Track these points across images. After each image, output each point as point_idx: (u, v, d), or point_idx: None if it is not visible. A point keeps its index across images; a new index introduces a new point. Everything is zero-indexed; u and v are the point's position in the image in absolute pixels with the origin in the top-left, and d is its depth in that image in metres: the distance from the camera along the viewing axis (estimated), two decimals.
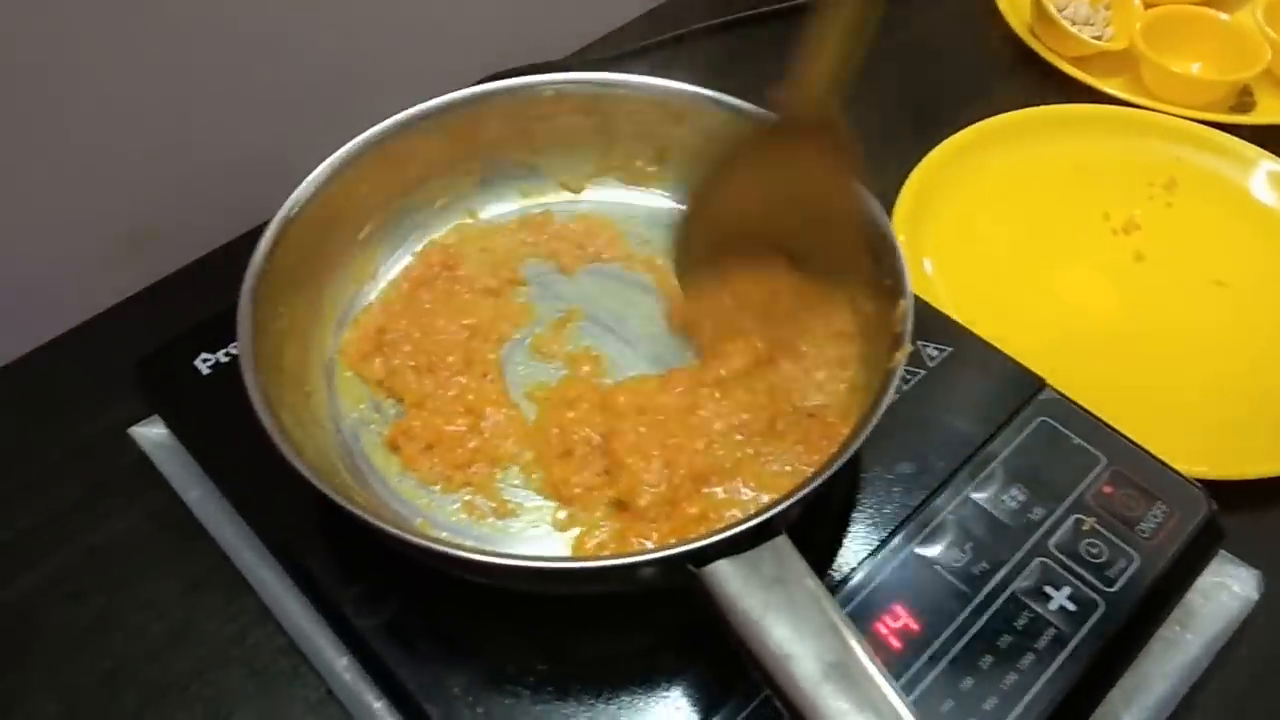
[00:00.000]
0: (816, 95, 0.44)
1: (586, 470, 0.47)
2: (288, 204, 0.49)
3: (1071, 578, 0.46)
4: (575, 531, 0.46)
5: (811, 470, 0.44)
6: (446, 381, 0.50)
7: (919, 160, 0.70)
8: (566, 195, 0.59)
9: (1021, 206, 0.71)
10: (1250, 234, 0.70)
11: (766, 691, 0.37)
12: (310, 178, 0.50)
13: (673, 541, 0.40)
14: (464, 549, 0.40)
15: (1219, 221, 0.70)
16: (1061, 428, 0.51)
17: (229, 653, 0.49)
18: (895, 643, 0.44)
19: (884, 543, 0.47)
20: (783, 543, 0.39)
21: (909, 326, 0.45)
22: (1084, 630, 0.44)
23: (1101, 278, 0.67)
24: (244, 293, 0.45)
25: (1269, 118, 0.77)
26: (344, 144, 0.52)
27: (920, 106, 0.78)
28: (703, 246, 0.51)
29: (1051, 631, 0.44)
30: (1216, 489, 0.50)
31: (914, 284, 0.46)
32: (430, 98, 0.54)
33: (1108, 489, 0.49)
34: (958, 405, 0.52)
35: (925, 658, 0.43)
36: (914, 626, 0.44)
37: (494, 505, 0.47)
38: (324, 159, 0.51)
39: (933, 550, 0.47)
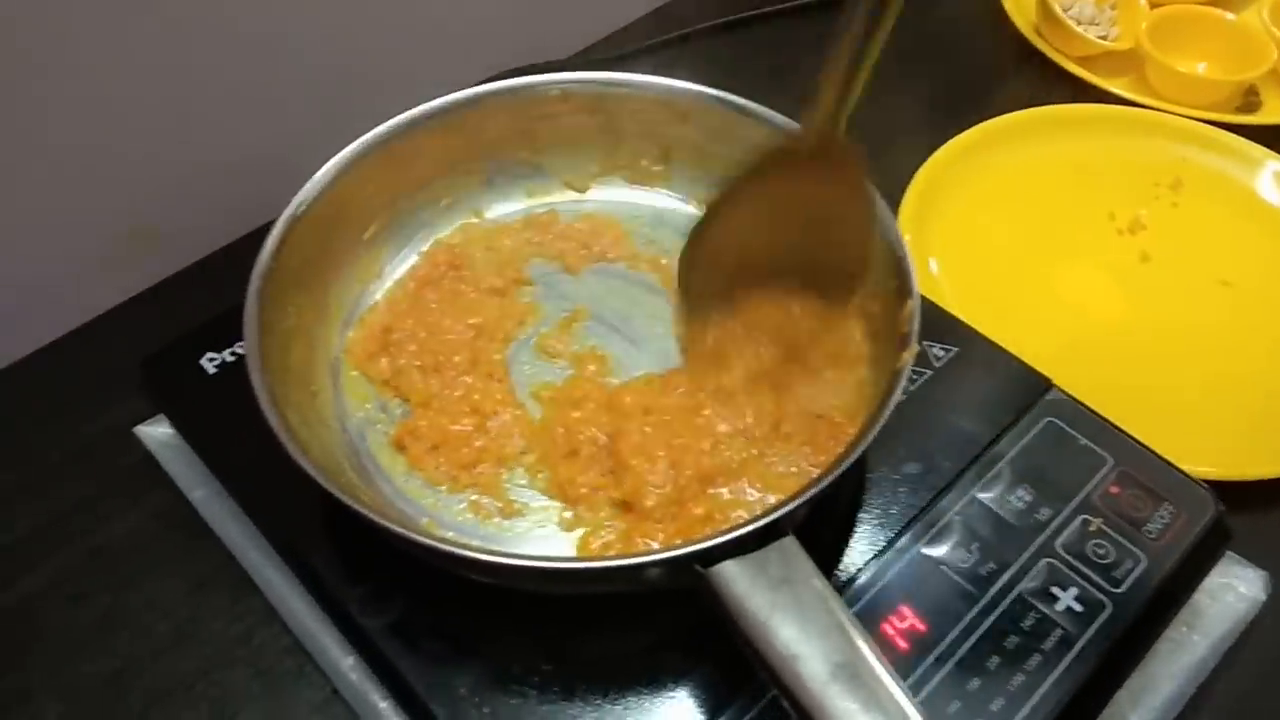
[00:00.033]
0: (829, 116, 0.43)
1: (592, 470, 0.47)
2: (294, 203, 0.49)
3: (1078, 578, 0.46)
4: (581, 531, 0.46)
5: (818, 471, 0.44)
6: (452, 381, 0.50)
7: (924, 160, 0.70)
8: (572, 195, 0.59)
9: (1027, 206, 0.71)
10: (1256, 234, 0.69)
11: (774, 692, 0.37)
12: (316, 177, 0.50)
13: (679, 542, 0.40)
14: (470, 549, 0.40)
15: (1225, 221, 0.70)
16: (1068, 428, 0.51)
17: (234, 652, 0.49)
18: (902, 643, 0.44)
19: (890, 543, 0.47)
20: (790, 543, 0.39)
21: (916, 327, 0.44)
22: (1091, 631, 0.44)
23: (1107, 278, 0.67)
24: (250, 292, 0.45)
25: (1275, 118, 0.77)
26: (348, 143, 0.52)
27: (925, 106, 0.78)
28: (712, 273, 0.49)
29: (1058, 632, 0.44)
30: (1223, 490, 0.49)
31: (920, 284, 0.46)
32: (434, 97, 0.54)
33: (1114, 489, 0.49)
34: (964, 405, 0.52)
35: (932, 658, 0.43)
36: (920, 627, 0.44)
37: (500, 505, 0.47)
38: (328, 158, 0.51)
39: (939, 551, 0.47)
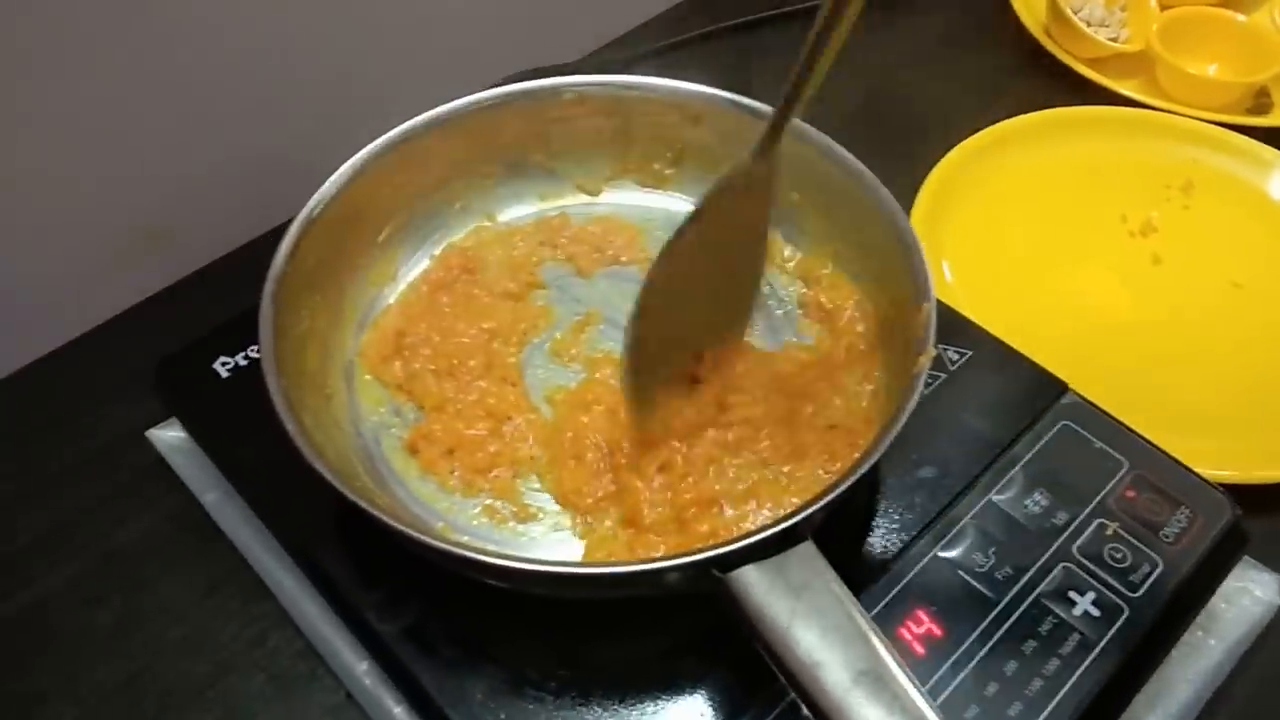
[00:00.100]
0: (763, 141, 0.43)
1: (597, 479, 0.47)
2: (309, 206, 0.49)
3: (1095, 583, 0.46)
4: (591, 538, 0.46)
5: (835, 477, 0.43)
6: (466, 385, 0.50)
7: (936, 163, 0.70)
8: (584, 198, 0.59)
9: (1038, 209, 0.70)
10: (1268, 236, 0.69)
11: (793, 697, 0.37)
12: (331, 180, 0.50)
13: (698, 546, 0.40)
14: (485, 553, 0.39)
15: (1236, 223, 0.70)
16: (1084, 432, 0.51)
17: (247, 656, 0.49)
18: (919, 648, 0.44)
19: (907, 547, 0.47)
20: (808, 548, 0.38)
21: (932, 331, 0.44)
22: (1108, 635, 0.44)
23: (1119, 280, 0.67)
24: (265, 295, 0.45)
25: None
26: (361, 146, 0.51)
27: (936, 109, 0.78)
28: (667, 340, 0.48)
29: (1076, 637, 0.44)
30: (1239, 494, 0.49)
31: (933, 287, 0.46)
32: (447, 100, 0.54)
33: (1130, 493, 0.49)
34: (979, 409, 0.51)
35: (949, 663, 0.43)
36: (937, 632, 0.44)
37: (515, 509, 0.47)
38: (341, 161, 0.51)
39: (956, 555, 0.46)
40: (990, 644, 0.44)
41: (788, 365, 0.51)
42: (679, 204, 0.59)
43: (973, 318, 0.56)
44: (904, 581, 0.46)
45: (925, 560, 0.46)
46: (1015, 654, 0.43)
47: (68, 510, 0.55)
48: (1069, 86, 0.79)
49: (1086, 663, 0.43)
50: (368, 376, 0.51)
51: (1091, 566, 0.46)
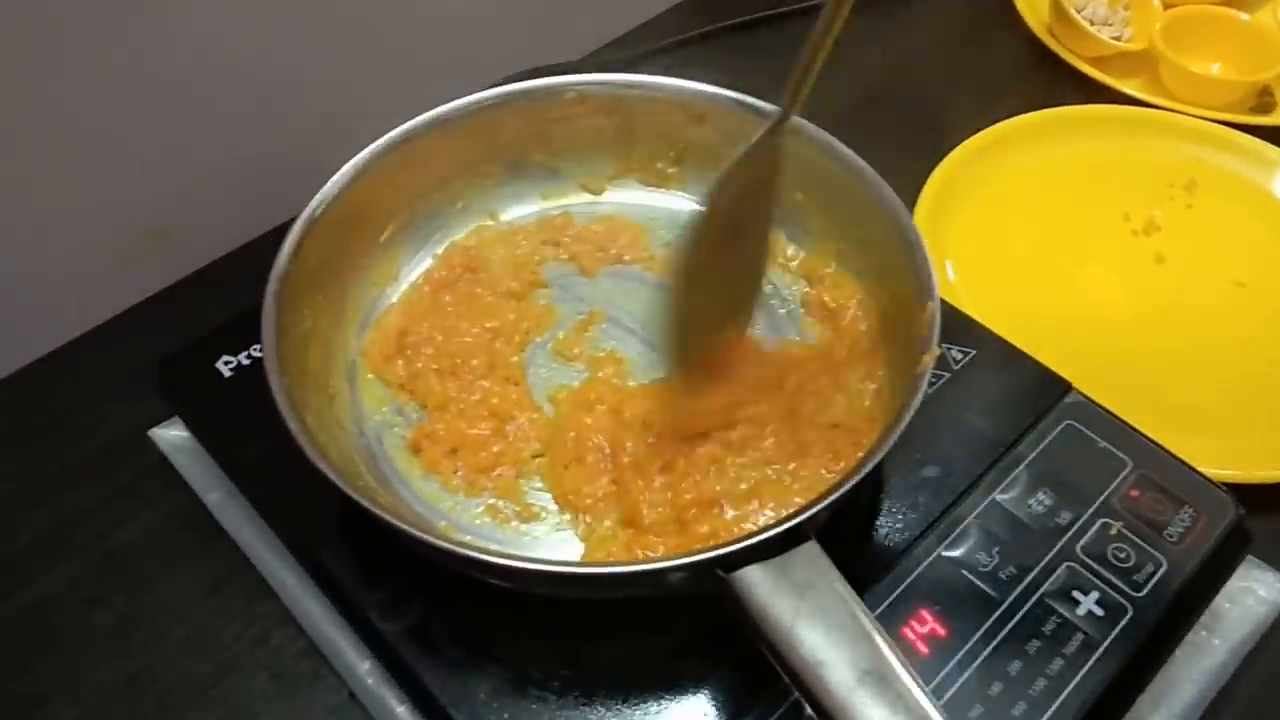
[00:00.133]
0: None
1: (598, 479, 0.47)
2: (311, 205, 0.49)
3: (1099, 582, 0.46)
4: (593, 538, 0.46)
5: (838, 477, 0.43)
6: (469, 385, 0.50)
7: (939, 162, 0.70)
8: (587, 197, 0.59)
9: (1041, 208, 0.70)
10: (1271, 235, 0.69)
11: (796, 697, 0.37)
12: (334, 179, 0.50)
13: (701, 546, 0.40)
14: (488, 553, 0.39)
15: (1240, 222, 0.70)
16: (1087, 431, 0.50)
17: (250, 656, 0.49)
18: (922, 648, 0.43)
19: (910, 547, 0.47)
20: (812, 548, 0.38)
21: (937, 330, 0.44)
22: (1113, 635, 0.44)
23: (1122, 279, 0.67)
24: (268, 295, 0.45)
25: None
26: (363, 145, 0.51)
27: (938, 107, 0.78)
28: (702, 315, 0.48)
29: (1080, 636, 0.44)
30: (1243, 493, 0.49)
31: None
32: (448, 99, 0.54)
33: (1134, 493, 0.49)
34: (983, 408, 0.51)
35: (953, 663, 0.43)
36: (941, 631, 0.44)
37: (518, 509, 0.47)
38: (343, 160, 0.51)
39: (959, 554, 0.46)
40: (994, 643, 0.44)
41: (791, 363, 0.51)
42: (682, 203, 0.59)
43: (976, 317, 0.56)
44: (908, 581, 0.46)
45: (929, 560, 0.46)
46: (1019, 654, 0.43)
47: (69, 510, 0.54)
48: (1072, 85, 0.79)
49: (1090, 662, 0.43)
50: (370, 376, 0.51)
51: (1095, 566, 0.46)
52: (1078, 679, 0.43)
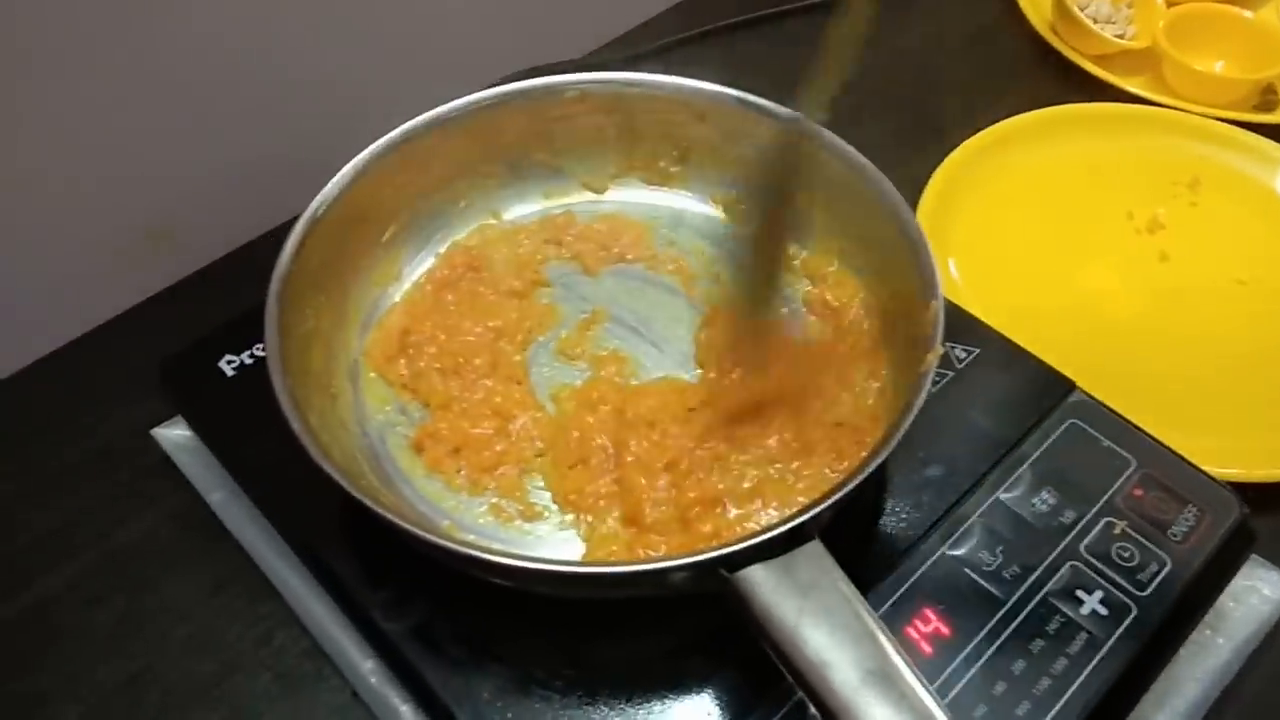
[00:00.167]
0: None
1: (600, 478, 0.47)
2: (313, 205, 0.49)
3: (1103, 581, 0.46)
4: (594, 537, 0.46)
5: (842, 476, 0.43)
6: (472, 384, 0.50)
7: (941, 160, 0.70)
8: (589, 195, 0.59)
9: (1044, 206, 0.70)
10: (1275, 233, 0.69)
11: (800, 696, 0.37)
12: (335, 179, 0.50)
13: (704, 546, 0.40)
14: (491, 552, 0.39)
15: (1244, 220, 0.70)
16: (1091, 430, 0.50)
17: (253, 655, 0.49)
18: (926, 647, 0.43)
19: (914, 546, 0.47)
20: (816, 547, 0.38)
21: (940, 329, 0.44)
22: (1117, 634, 0.44)
23: (1126, 278, 0.67)
24: (270, 295, 0.45)
25: None
26: (364, 145, 0.51)
27: (941, 105, 0.78)
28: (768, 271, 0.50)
29: (1084, 636, 0.44)
30: (1247, 492, 0.49)
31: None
32: (449, 98, 0.54)
33: (1138, 492, 0.48)
34: (986, 407, 0.51)
35: (957, 662, 0.43)
36: (945, 631, 0.44)
37: (521, 508, 0.47)
38: (344, 160, 0.51)
39: (963, 554, 0.46)
40: (998, 643, 0.44)
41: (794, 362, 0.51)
42: (685, 201, 0.59)
43: (979, 315, 0.56)
44: (911, 580, 0.45)
45: (932, 559, 0.46)
46: (1023, 653, 0.43)
47: (70, 509, 0.54)
48: (1075, 83, 0.79)
49: (1094, 662, 0.43)
50: (373, 375, 0.51)
51: (1099, 565, 0.46)
52: (1082, 678, 0.43)
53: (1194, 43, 0.79)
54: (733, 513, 0.45)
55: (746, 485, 0.46)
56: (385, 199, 0.53)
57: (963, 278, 0.65)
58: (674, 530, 0.45)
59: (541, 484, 0.48)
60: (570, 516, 0.47)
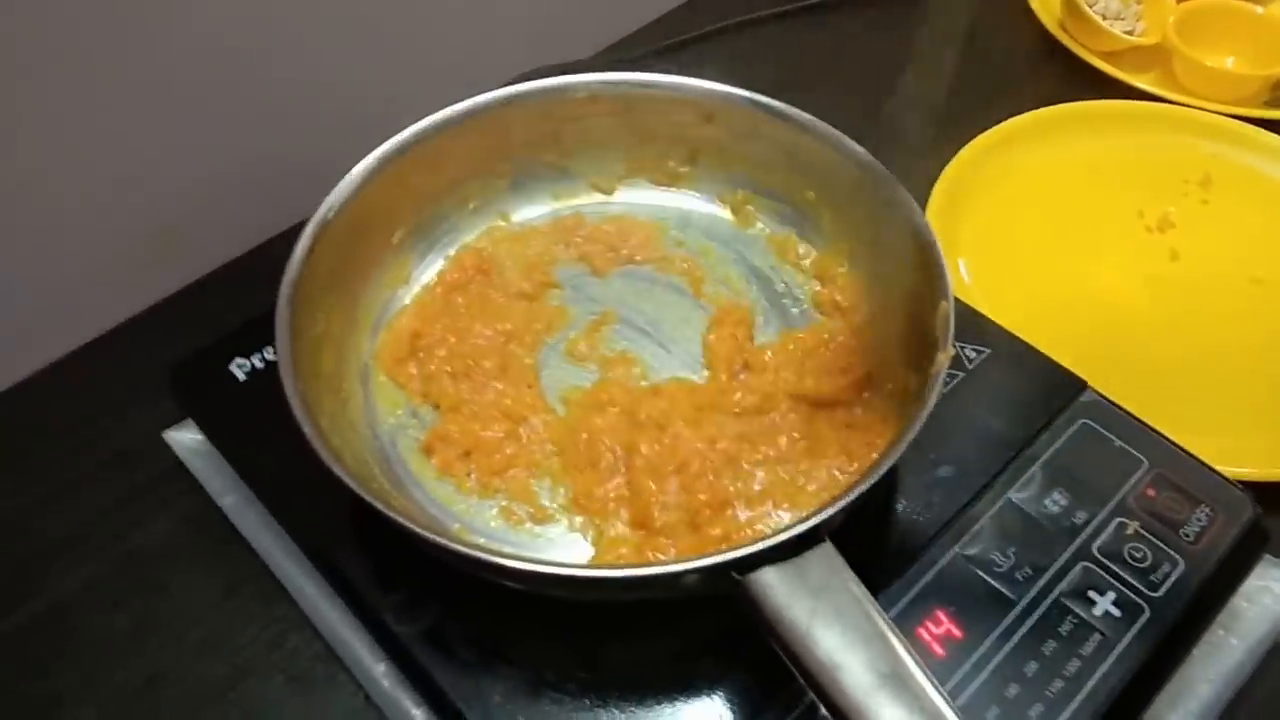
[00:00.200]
0: None
1: (610, 481, 0.47)
2: (323, 208, 0.49)
3: (1116, 582, 0.45)
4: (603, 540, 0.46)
5: (854, 477, 0.43)
6: (483, 387, 0.50)
7: (950, 159, 0.69)
8: (598, 196, 0.59)
9: (1054, 205, 0.70)
10: None
11: (811, 698, 0.37)
12: (343, 182, 0.50)
13: (715, 549, 0.39)
14: (502, 555, 0.39)
15: (1255, 218, 0.70)
16: (1103, 430, 0.50)
17: (266, 659, 0.49)
18: (938, 649, 0.43)
19: (925, 548, 0.46)
20: (827, 549, 0.38)
21: (951, 330, 0.44)
22: (1129, 635, 0.44)
23: (1137, 277, 0.66)
24: (281, 299, 0.45)
25: None
26: (372, 147, 0.51)
27: (950, 104, 0.78)
28: None
29: (1097, 637, 0.44)
30: (1260, 491, 0.49)
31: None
32: (456, 100, 0.54)
33: (1150, 492, 0.48)
34: (997, 408, 0.51)
35: (969, 664, 0.43)
36: (957, 633, 0.44)
37: (532, 510, 0.47)
38: (352, 162, 0.51)
39: (975, 555, 0.46)
40: (1010, 644, 0.43)
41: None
42: (693, 202, 0.59)
43: (989, 314, 0.56)
44: (923, 581, 0.45)
45: (944, 560, 0.46)
46: (1036, 654, 0.43)
47: (84, 512, 0.55)
48: (1084, 81, 0.79)
49: (1108, 663, 0.43)
50: (383, 378, 0.51)
51: (1112, 566, 0.46)
52: (1095, 680, 0.43)
53: (1204, 38, 0.78)
54: (743, 515, 0.45)
55: (756, 488, 0.46)
56: (394, 201, 0.53)
57: (972, 277, 0.65)
58: (683, 533, 0.45)
59: (552, 486, 0.48)
60: (581, 519, 0.47)
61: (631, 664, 0.44)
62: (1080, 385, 0.52)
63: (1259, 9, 0.81)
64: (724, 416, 0.49)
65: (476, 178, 0.56)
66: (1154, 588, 0.45)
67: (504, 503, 0.47)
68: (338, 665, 0.48)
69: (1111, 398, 0.52)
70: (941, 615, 0.44)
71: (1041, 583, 0.45)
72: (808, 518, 0.38)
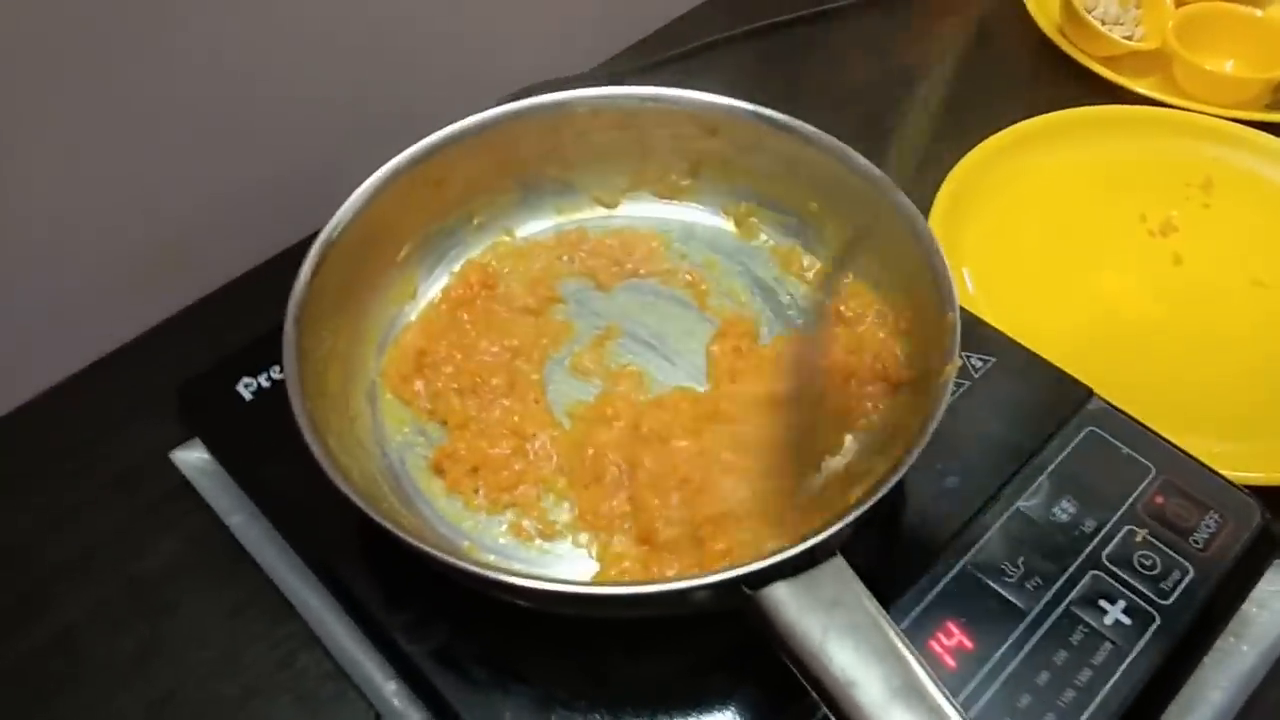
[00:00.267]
0: None
1: (615, 497, 0.47)
2: (329, 227, 0.49)
3: (1126, 590, 0.45)
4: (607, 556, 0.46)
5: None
6: (490, 403, 0.50)
7: (952, 166, 0.69)
8: (601, 210, 0.59)
9: (1056, 211, 0.70)
10: None
11: (825, 712, 0.36)
12: (349, 201, 0.50)
13: (726, 564, 0.39)
14: (511, 574, 0.39)
15: (1257, 221, 0.69)
16: (1110, 437, 0.50)
17: (275, 678, 0.49)
18: (950, 661, 0.43)
19: (934, 559, 0.46)
20: (839, 563, 0.38)
21: (957, 339, 0.44)
22: (1141, 643, 0.44)
23: (1140, 281, 0.66)
24: (288, 319, 0.45)
25: None
26: (377, 164, 0.51)
27: (949, 111, 0.77)
28: None
29: (1108, 645, 0.44)
30: (1269, 496, 0.49)
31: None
32: (459, 116, 0.54)
33: (1159, 499, 0.48)
34: (1004, 417, 0.51)
35: (981, 676, 0.43)
36: (968, 644, 0.44)
37: (541, 527, 0.47)
38: (357, 179, 0.51)
39: (984, 565, 0.46)
40: (1021, 655, 0.43)
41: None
42: (697, 215, 0.59)
43: (993, 323, 0.56)
44: (933, 593, 0.45)
45: (953, 571, 0.46)
46: (1047, 664, 0.43)
47: (91, 533, 0.54)
48: (1084, 86, 0.79)
49: (1119, 671, 0.43)
50: (390, 396, 0.51)
51: (1121, 574, 0.46)
52: (1107, 689, 0.43)
53: (1204, 42, 0.78)
54: (747, 529, 0.45)
55: (760, 501, 0.46)
56: (400, 218, 0.53)
57: (976, 286, 0.65)
58: (686, 549, 0.45)
59: (561, 502, 0.48)
60: (586, 535, 0.47)
61: (642, 680, 0.44)
62: (1086, 392, 0.52)
63: (1258, 12, 0.81)
64: (727, 427, 0.49)
65: (480, 194, 0.56)
66: (1164, 595, 0.45)
67: (513, 519, 0.47)
68: (347, 683, 0.48)
69: (1117, 403, 0.52)
70: (953, 627, 0.44)
71: (1051, 592, 0.45)
72: (818, 531, 0.38)
